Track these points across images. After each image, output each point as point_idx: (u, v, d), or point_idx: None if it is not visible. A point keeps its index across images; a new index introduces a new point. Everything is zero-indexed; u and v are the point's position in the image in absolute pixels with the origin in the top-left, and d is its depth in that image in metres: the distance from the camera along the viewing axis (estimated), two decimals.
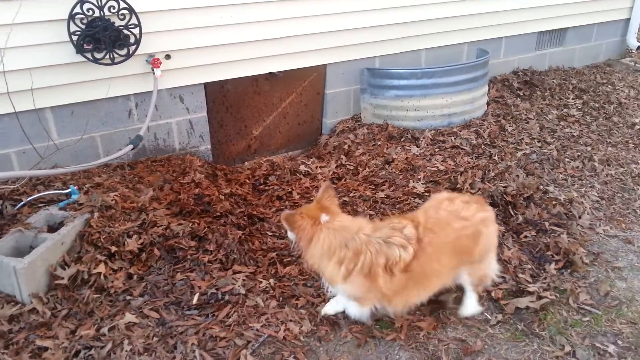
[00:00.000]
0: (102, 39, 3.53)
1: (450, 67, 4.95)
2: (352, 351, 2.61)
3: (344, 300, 2.73)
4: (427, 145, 4.65)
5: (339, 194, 3.93)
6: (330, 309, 2.79)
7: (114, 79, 3.82)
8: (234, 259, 3.12)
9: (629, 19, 7.45)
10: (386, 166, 4.32)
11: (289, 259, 3.22)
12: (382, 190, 3.98)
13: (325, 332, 2.70)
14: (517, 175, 4.11)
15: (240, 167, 4.60)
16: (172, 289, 2.88)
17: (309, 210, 2.56)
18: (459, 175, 4.06)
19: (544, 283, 3.04)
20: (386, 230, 2.53)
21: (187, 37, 4.02)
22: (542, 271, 3.16)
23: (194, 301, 2.80)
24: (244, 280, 2.96)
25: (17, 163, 3.72)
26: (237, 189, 3.97)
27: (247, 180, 4.20)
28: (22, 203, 3.27)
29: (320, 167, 4.38)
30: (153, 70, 3.88)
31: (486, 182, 4.01)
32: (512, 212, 3.65)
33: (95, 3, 3.49)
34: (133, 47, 3.71)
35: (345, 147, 4.67)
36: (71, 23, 3.47)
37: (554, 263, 3.21)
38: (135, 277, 2.93)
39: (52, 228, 3.02)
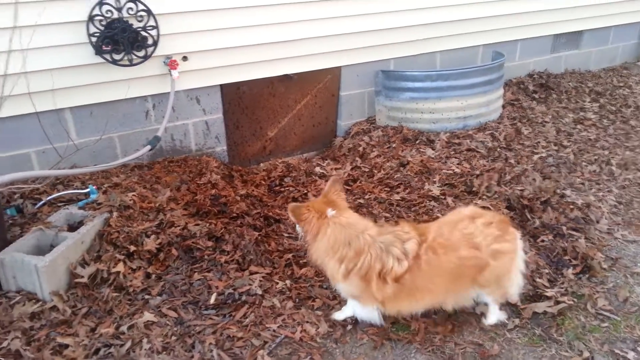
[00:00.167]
0: (120, 40, 3.57)
1: (465, 69, 4.94)
2: (368, 353, 2.61)
3: (350, 302, 2.74)
4: (443, 147, 4.64)
5: (354, 196, 3.93)
6: (339, 315, 2.80)
7: (132, 80, 3.86)
8: (251, 260, 3.14)
9: None
10: (401, 169, 4.31)
11: (304, 261, 3.23)
12: (398, 193, 3.97)
13: (341, 334, 2.71)
14: (534, 179, 4.08)
15: (255, 169, 4.62)
16: (190, 289, 2.90)
17: (316, 204, 2.56)
18: (475, 179, 4.04)
19: (562, 288, 3.02)
20: (390, 237, 2.52)
21: (204, 39, 4.05)
22: (560, 276, 3.13)
23: (212, 301, 2.82)
24: (260, 281, 2.98)
25: (36, 162, 3.78)
26: (253, 190, 3.99)
27: (263, 182, 4.22)
28: (42, 202, 3.31)
29: (336, 169, 4.39)
30: (170, 71, 3.91)
31: (502, 186, 3.99)
32: (528, 216, 3.63)
33: (114, 5, 3.54)
34: (151, 49, 3.75)
35: (360, 149, 4.68)
36: (90, 24, 3.52)
37: (571, 268, 3.18)
38: (153, 276, 2.95)
39: (72, 227, 3.06)
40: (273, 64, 4.49)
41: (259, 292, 2.90)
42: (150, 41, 3.73)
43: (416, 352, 2.62)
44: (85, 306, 2.71)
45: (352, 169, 4.37)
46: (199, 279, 2.96)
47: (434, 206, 3.77)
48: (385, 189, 4.07)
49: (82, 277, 2.78)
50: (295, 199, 3.94)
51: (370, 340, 2.68)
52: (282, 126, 4.88)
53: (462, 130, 4.98)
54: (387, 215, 3.71)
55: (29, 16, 3.31)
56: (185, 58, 4.03)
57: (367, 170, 4.34)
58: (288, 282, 3.02)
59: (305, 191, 4.03)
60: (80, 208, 3.23)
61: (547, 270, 3.16)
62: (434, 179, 4.12)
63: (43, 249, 2.89)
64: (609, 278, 3.18)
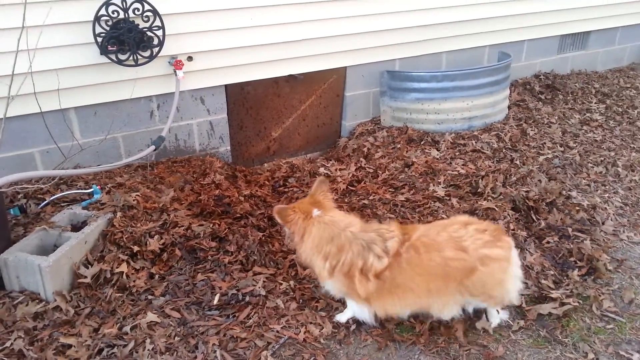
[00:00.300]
0: (126, 40, 3.58)
1: (471, 70, 4.92)
2: (372, 354, 2.60)
3: (348, 302, 2.74)
4: (448, 148, 4.62)
5: (359, 197, 3.92)
6: (342, 317, 2.79)
7: (137, 80, 3.86)
8: (254, 261, 3.14)
9: None
10: (406, 169, 4.30)
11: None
12: (402, 194, 3.96)
13: (345, 335, 2.69)
14: (539, 180, 4.06)
15: (259, 169, 4.61)
16: (193, 289, 2.90)
17: (302, 205, 2.59)
18: (480, 180, 4.02)
19: (567, 289, 3.00)
20: (372, 234, 2.53)
21: (209, 39, 4.05)
22: (565, 277, 3.11)
23: (215, 302, 2.81)
24: (264, 281, 2.97)
25: (40, 162, 3.78)
26: (257, 191, 3.99)
27: (267, 182, 4.21)
28: (45, 202, 3.32)
29: (340, 169, 4.38)
30: (175, 71, 3.91)
31: (508, 187, 3.97)
32: (534, 217, 3.60)
33: (120, 5, 3.54)
34: (156, 49, 3.75)
35: (365, 149, 4.66)
36: (96, 25, 3.52)
37: (577, 269, 3.16)
38: (156, 276, 2.95)
39: (76, 227, 3.07)
40: (278, 64, 4.49)
41: (263, 292, 2.89)
42: (155, 41, 3.73)
43: (420, 353, 2.61)
44: (88, 306, 2.71)
45: (356, 169, 4.36)
46: (202, 280, 2.95)
47: (438, 207, 3.75)
48: (390, 189, 4.05)
49: (86, 277, 2.79)
50: (299, 200, 3.93)
51: (375, 342, 2.66)
52: (287, 126, 4.88)
53: (468, 131, 4.96)
54: (392, 216, 3.69)
55: (36, 16, 3.31)
56: (190, 58, 4.03)
57: (371, 171, 4.32)
58: (292, 282, 3.02)
59: (309, 192, 4.02)
60: (83, 208, 3.23)
61: (552, 272, 3.14)
62: (439, 180, 4.10)
63: (46, 249, 2.89)
64: (615, 280, 3.16)
